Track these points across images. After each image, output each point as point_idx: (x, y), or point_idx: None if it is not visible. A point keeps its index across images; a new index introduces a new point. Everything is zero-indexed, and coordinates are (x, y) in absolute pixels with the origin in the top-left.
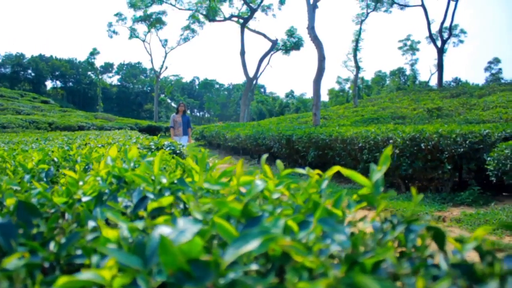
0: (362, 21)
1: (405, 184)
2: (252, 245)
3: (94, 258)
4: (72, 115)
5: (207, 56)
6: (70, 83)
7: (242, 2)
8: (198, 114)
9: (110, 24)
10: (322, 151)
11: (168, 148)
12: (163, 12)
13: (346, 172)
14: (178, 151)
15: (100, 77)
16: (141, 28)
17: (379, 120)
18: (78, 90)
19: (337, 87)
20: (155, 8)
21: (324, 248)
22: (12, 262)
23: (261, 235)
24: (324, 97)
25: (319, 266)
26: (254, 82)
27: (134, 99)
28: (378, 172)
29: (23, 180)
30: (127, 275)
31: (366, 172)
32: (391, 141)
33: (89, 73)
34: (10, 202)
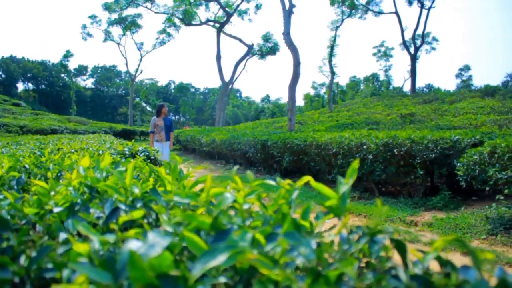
0: (337, 27)
1: (379, 189)
2: (220, 259)
3: (65, 272)
4: (45, 118)
5: (183, 60)
6: (43, 86)
7: (219, 6)
8: (173, 118)
9: (84, 27)
10: (297, 156)
11: (142, 154)
12: (139, 15)
13: (314, 184)
14: (152, 157)
15: (74, 79)
16: (116, 31)
17: (353, 126)
18: (51, 92)
19: (312, 92)
20: (130, 11)
21: (290, 261)
22: None
23: (228, 249)
24: (300, 102)
25: (285, 279)
26: (230, 86)
27: (108, 103)
28: (345, 184)
29: None
30: None
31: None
32: (364, 146)
33: (63, 75)
34: (29, 210)
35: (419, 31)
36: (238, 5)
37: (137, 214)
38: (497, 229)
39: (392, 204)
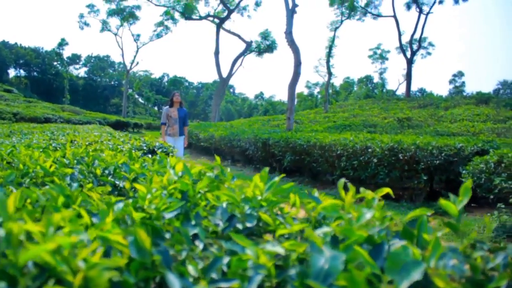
0: (336, 28)
1: None
2: (416, 276)
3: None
4: (38, 106)
5: (178, 53)
6: (35, 73)
7: (219, 1)
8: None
9: (81, 16)
10: (299, 156)
11: (160, 150)
12: (138, 7)
13: (442, 202)
14: (170, 154)
15: (67, 68)
16: (114, 21)
17: (351, 127)
18: (43, 80)
19: (306, 91)
20: (129, 2)
21: (448, 273)
22: None
23: (419, 265)
24: None
25: None
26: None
27: (101, 93)
28: (461, 202)
29: (75, 188)
30: None
31: (343, 178)
32: (369, 150)
33: (55, 63)
34: (137, 215)
35: (416, 36)
36: (239, 1)
37: (297, 227)
38: (500, 236)
39: (394, 208)
